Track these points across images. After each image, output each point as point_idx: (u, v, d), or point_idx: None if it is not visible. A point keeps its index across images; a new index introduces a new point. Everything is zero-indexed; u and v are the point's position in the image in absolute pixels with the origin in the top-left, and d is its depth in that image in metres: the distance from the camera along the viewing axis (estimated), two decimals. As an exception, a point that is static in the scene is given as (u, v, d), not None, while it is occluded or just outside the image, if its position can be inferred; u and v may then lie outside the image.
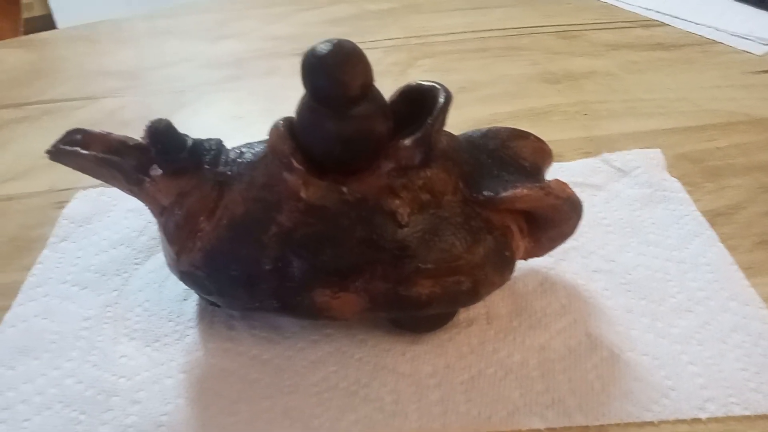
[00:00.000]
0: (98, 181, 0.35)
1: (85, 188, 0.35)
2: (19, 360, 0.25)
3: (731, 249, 0.28)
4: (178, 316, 0.27)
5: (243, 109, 0.42)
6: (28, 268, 0.30)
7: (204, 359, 0.25)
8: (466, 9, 0.55)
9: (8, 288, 0.29)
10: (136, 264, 0.30)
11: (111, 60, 0.50)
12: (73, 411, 0.23)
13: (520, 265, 0.25)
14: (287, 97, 0.43)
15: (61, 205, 0.34)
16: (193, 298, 0.27)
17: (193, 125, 0.40)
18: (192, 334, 0.26)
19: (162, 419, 0.23)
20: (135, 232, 0.31)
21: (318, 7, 0.57)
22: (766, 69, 0.43)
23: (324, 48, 0.19)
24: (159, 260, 0.30)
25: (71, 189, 0.35)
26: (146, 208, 0.32)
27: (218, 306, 0.26)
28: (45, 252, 0.31)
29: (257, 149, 0.23)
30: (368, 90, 0.20)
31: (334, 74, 0.19)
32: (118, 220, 0.32)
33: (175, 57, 0.50)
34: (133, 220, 0.32)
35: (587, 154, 0.35)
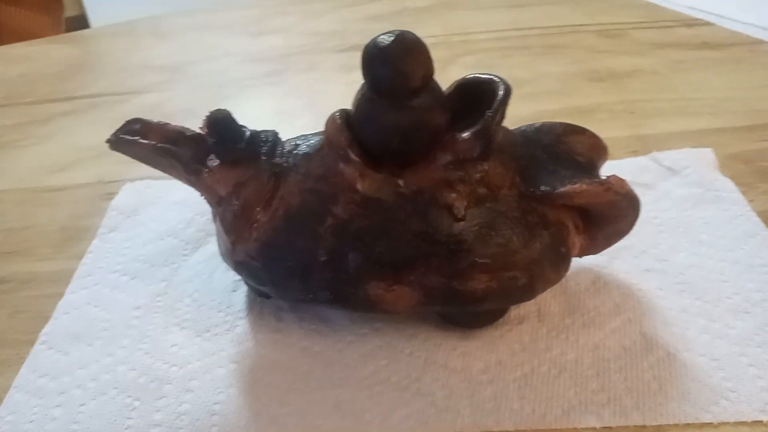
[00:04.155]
0: (145, 174, 0.35)
1: (132, 180, 0.35)
2: (73, 345, 0.26)
3: (788, 250, 0.27)
4: (227, 307, 0.27)
5: (285, 104, 0.43)
6: (78, 257, 0.30)
7: (254, 350, 0.25)
8: (506, 6, 0.55)
9: (60, 276, 0.29)
10: (185, 255, 0.30)
11: (153, 55, 0.51)
12: (128, 397, 0.23)
13: (572, 264, 0.24)
14: (329, 92, 0.43)
15: (109, 196, 0.34)
16: (242, 290, 0.28)
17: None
18: (241, 325, 0.26)
19: (215, 408, 0.23)
20: (182, 223, 0.32)
21: (357, 4, 0.57)
22: (817, 68, 0.42)
23: (386, 39, 0.19)
24: (207, 252, 0.30)
25: (118, 181, 0.35)
26: (192, 200, 0.32)
27: (267, 297, 0.26)
28: (95, 242, 0.31)
29: (313, 141, 0.23)
30: (428, 81, 0.20)
31: (396, 65, 0.19)
32: (164, 212, 0.33)
33: (216, 52, 0.50)
34: (179, 212, 0.33)
35: (635, 153, 0.34)
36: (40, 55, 0.53)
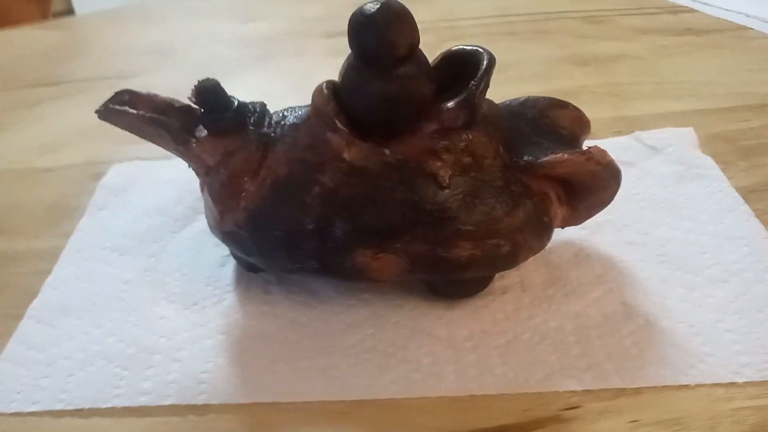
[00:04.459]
0: (133, 155, 0.36)
1: (120, 162, 0.35)
2: (61, 319, 0.26)
3: (766, 224, 0.28)
4: (215, 281, 0.27)
5: (272, 87, 0.43)
6: (67, 235, 0.30)
7: (242, 321, 0.25)
8: (492, -6, 0.55)
9: (48, 253, 0.29)
10: (173, 232, 0.30)
11: (140, 40, 0.51)
12: (116, 367, 0.24)
13: (554, 236, 0.25)
14: (316, 75, 0.43)
15: (97, 176, 0.34)
16: (230, 264, 0.28)
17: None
18: (229, 298, 0.26)
19: (203, 377, 0.23)
20: (171, 201, 0.32)
21: (345, -8, 0.57)
22: (798, 54, 0.43)
23: (373, 7, 0.20)
24: (195, 228, 0.30)
25: (107, 162, 0.36)
26: (181, 179, 0.32)
27: (255, 271, 0.27)
28: (83, 220, 0.31)
29: (300, 112, 0.23)
30: (414, 51, 0.21)
31: (382, 33, 0.20)
32: (153, 191, 0.33)
33: (204, 36, 0.51)
34: (168, 190, 0.33)
35: (618, 134, 0.35)
36: (28, 40, 0.53)
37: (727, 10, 0.50)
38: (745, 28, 0.47)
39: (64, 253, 0.29)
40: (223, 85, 0.22)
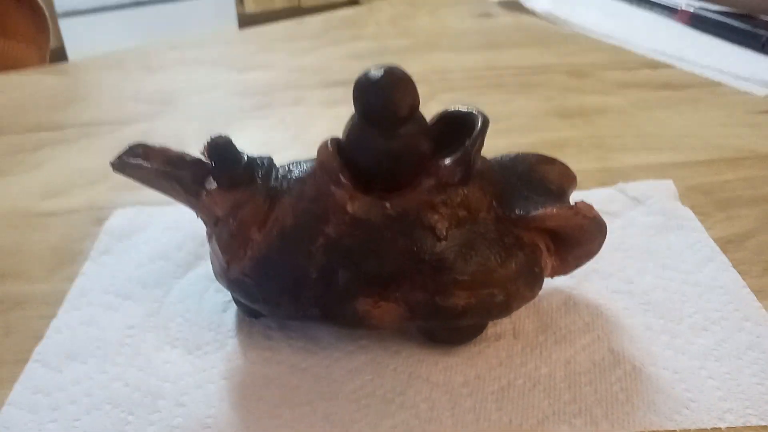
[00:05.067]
0: (136, 200, 0.37)
1: (123, 207, 0.36)
2: (66, 363, 0.26)
3: (743, 273, 0.29)
4: (218, 326, 0.28)
5: (271, 136, 0.44)
6: (71, 279, 0.31)
7: (244, 367, 0.26)
8: (482, 48, 0.58)
9: (52, 297, 0.30)
10: (176, 277, 0.31)
11: (142, 87, 0.53)
12: (122, 412, 0.24)
13: (544, 285, 0.26)
14: (314, 125, 0.45)
15: (100, 221, 0.35)
16: (232, 310, 0.29)
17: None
18: (231, 344, 0.27)
19: (207, 421, 0.24)
20: (173, 247, 0.33)
21: (341, 43, 0.60)
22: (768, 109, 0.46)
23: (377, 73, 0.21)
24: (198, 274, 0.31)
25: (109, 207, 0.37)
26: (183, 225, 0.34)
27: (257, 317, 0.28)
28: (87, 264, 0.32)
29: (305, 166, 0.25)
30: (415, 112, 0.22)
31: (386, 95, 0.21)
32: (156, 236, 0.34)
33: (205, 85, 0.52)
34: (170, 236, 0.34)
35: (603, 184, 0.37)
36: (29, 85, 0.54)
37: (702, 66, 0.53)
38: (719, 84, 0.50)
39: (69, 298, 0.30)
40: (225, 133, 0.23)
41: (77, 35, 1.75)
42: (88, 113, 0.48)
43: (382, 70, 0.21)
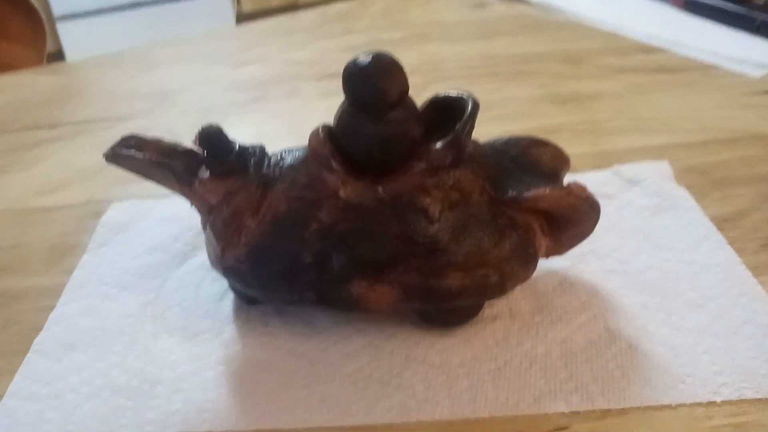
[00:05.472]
0: (132, 194, 0.37)
1: (119, 200, 0.36)
2: (66, 354, 0.27)
3: (738, 251, 0.29)
4: (215, 314, 0.28)
5: (267, 129, 0.44)
6: (69, 272, 0.31)
7: (242, 353, 0.26)
8: (475, 38, 0.58)
9: (51, 290, 0.30)
10: (173, 268, 0.31)
11: (138, 83, 0.53)
12: (121, 398, 0.24)
13: (540, 266, 0.26)
14: (308, 116, 0.45)
15: (97, 215, 0.36)
16: (228, 298, 0.29)
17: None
18: (229, 330, 0.27)
19: (206, 406, 0.24)
20: (170, 238, 0.33)
21: (334, 36, 0.60)
22: (764, 90, 0.45)
23: (365, 59, 0.21)
24: (194, 264, 0.31)
25: (106, 201, 0.37)
26: (179, 217, 0.34)
27: (253, 303, 0.28)
28: (85, 257, 0.32)
29: (297, 153, 0.25)
30: (404, 97, 0.22)
31: (375, 82, 0.21)
32: (152, 228, 0.34)
33: (200, 80, 0.52)
34: (167, 228, 0.34)
35: (598, 168, 0.37)
36: (27, 85, 0.54)
37: (696, 49, 0.52)
38: (713, 66, 0.50)
39: (67, 290, 0.30)
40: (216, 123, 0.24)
41: (76, 39, 1.75)
42: (84, 111, 0.48)
43: (371, 57, 0.22)
